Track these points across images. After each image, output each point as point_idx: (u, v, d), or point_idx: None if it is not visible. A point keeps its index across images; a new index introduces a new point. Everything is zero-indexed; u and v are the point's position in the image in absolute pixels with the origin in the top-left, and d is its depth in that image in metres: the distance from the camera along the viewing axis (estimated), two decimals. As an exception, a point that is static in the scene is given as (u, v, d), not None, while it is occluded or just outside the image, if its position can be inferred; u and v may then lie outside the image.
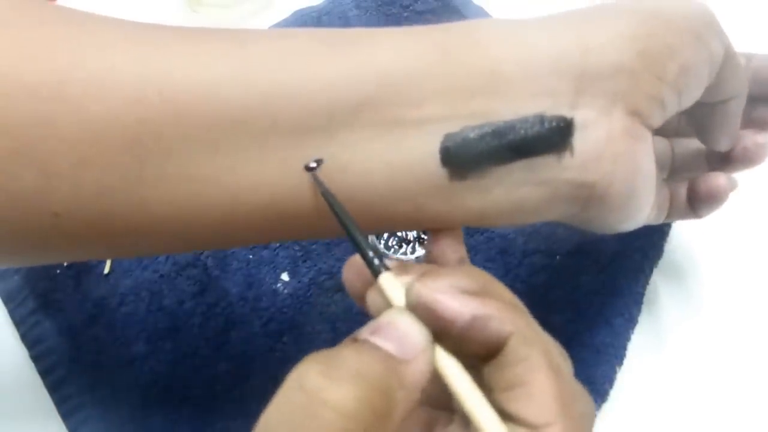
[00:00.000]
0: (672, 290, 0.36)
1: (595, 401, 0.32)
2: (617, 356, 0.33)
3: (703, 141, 0.28)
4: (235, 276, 0.35)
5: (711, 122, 0.27)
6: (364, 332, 0.19)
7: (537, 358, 0.18)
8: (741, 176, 0.30)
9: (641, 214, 0.25)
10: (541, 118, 0.21)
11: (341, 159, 0.21)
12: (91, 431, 0.32)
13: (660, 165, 0.28)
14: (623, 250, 0.35)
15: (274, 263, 0.36)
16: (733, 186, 0.28)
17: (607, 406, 0.33)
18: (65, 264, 0.36)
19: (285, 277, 0.36)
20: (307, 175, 0.21)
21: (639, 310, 0.35)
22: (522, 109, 0.21)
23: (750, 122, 0.28)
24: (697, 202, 0.29)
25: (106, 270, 0.36)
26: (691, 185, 0.29)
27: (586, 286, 0.35)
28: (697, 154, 0.30)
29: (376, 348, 0.18)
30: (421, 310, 0.19)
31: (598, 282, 0.35)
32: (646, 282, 0.35)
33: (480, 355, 0.19)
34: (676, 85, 0.23)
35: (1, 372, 0.35)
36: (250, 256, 0.36)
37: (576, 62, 0.21)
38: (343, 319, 0.34)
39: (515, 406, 0.18)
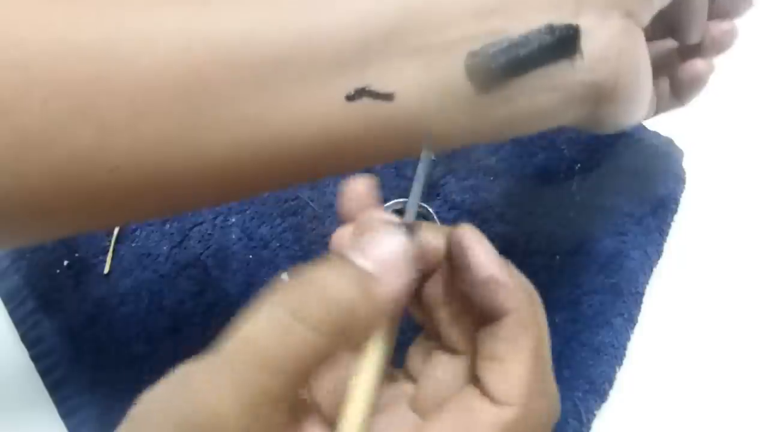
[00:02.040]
0: (672, 290, 0.36)
1: (595, 401, 0.32)
2: (617, 356, 0.33)
3: (674, 37, 0.31)
4: (235, 276, 0.35)
5: (680, 17, 0.29)
6: (347, 248, 0.20)
7: (526, 343, 0.20)
8: (741, 176, 0.30)
9: (644, 105, 0.28)
10: (551, 28, 0.23)
11: (377, 86, 0.23)
12: (91, 431, 0.33)
13: None
14: (623, 249, 0.35)
15: (274, 263, 0.36)
16: (711, 69, 0.31)
17: (607, 406, 0.33)
18: (65, 263, 0.36)
19: (285, 277, 0.35)
20: (348, 105, 0.23)
21: (639, 310, 0.35)
22: (533, 22, 0.23)
23: (713, 13, 0.31)
24: (680, 90, 0.32)
25: (106, 270, 0.36)
26: (674, 75, 0.32)
27: (586, 286, 0.35)
28: (669, 52, 0.33)
29: (352, 263, 0.19)
30: (454, 246, 0.21)
31: (598, 282, 0.35)
32: (646, 282, 0.35)
33: (476, 317, 0.21)
34: None
35: (1, 372, 0.35)
36: (250, 257, 0.36)
37: None
38: (343, 319, 0.34)
39: (487, 377, 0.19)
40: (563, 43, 0.23)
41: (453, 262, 0.21)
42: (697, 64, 0.31)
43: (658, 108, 0.33)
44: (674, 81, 0.32)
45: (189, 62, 0.21)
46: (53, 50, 0.21)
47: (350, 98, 0.23)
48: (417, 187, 0.22)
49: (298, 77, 0.22)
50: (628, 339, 0.34)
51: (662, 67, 0.33)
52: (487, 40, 0.23)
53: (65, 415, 0.33)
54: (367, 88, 0.23)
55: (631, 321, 0.34)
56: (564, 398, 0.32)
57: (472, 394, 0.20)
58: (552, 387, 0.21)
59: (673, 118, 0.33)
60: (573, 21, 0.23)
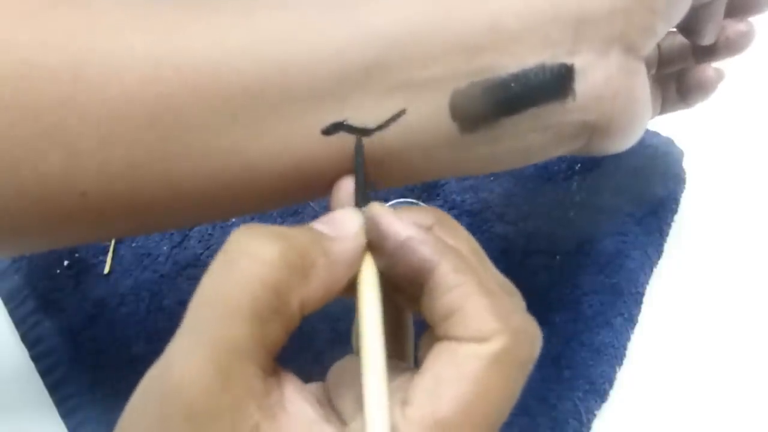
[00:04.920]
0: (672, 290, 0.36)
1: (595, 401, 0.32)
2: (617, 356, 0.33)
3: (687, 37, 0.29)
4: (235, 276, 0.35)
5: (695, 22, 0.28)
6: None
7: (469, 285, 0.19)
8: (741, 176, 0.30)
9: (640, 133, 0.27)
10: (542, 68, 0.22)
11: (356, 120, 0.22)
12: (91, 431, 0.33)
13: (648, 63, 0.29)
14: (623, 249, 0.35)
15: (274, 263, 0.36)
16: (720, 77, 0.30)
17: (607, 406, 0.33)
18: (65, 263, 0.36)
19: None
20: (324, 139, 0.22)
21: (639, 310, 0.35)
22: (525, 61, 0.22)
23: (731, 10, 0.29)
24: (687, 93, 0.31)
25: (106, 270, 0.36)
26: (681, 78, 0.31)
27: (586, 286, 0.35)
28: (681, 47, 0.32)
29: (310, 226, 0.20)
30: (369, 224, 0.21)
31: (598, 282, 0.35)
32: (646, 282, 0.35)
33: (409, 279, 0.20)
34: (668, 13, 0.24)
35: (1, 372, 0.35)
36: (250, 256, 0.36)
37: (573, 9, 0.22)
38: (343, 319, 0.34)
39: (456, 331, 0.19)
40: (555, 83, 0.22)
41: (374, 244, 0.21)
42: (707, 72, 0.30)
43: (663, 109, 0.32)
44: (682, 82, 0.31)
45: (158, 90, 0.21)
46: (20, 72, 0.20)
47: (326, 132, 0.22)
48: (359, 175, 0.22)
49: (272, 109, 0.22)
50: (628, 339, 0.34)
51: (671, 62, 0.32)
52: (475, 78, 0.22)
53: (65, 415, 0.33)
54: (344, 123, 0.22)
55: (631, 321, 0.34)
56: (564, 398, 0.32)
57: (447, 344, 0.19)
58: (522, 312, 0.20)
59: (673, 118, 0.33)
60: (568, 59, 0.22)
